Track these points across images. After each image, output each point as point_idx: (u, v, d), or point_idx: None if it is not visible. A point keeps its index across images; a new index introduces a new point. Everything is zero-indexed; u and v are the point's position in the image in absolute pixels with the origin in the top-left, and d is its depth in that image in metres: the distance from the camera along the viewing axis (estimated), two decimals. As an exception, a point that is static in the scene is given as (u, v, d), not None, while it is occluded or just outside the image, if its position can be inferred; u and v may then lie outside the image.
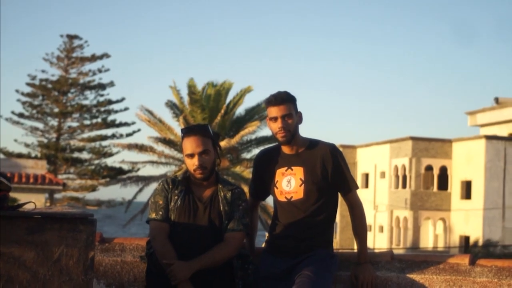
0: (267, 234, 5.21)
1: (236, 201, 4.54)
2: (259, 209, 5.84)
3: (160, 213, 4.50)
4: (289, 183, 4.65)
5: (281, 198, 4.67)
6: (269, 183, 4.73)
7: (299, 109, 4.70)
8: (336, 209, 4.76)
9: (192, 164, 4.50)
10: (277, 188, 4.69)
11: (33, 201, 4.13)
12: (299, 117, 4.68)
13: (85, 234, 3.68)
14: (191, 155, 4.50)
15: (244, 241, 4.61)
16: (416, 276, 4.65)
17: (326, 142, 4.74)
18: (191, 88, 32.29)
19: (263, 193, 4.87)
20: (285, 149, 4.72)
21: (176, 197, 4.52)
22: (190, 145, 4.50)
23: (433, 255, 4.88)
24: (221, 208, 4.51)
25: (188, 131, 4.57)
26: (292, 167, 4.67)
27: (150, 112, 33.00)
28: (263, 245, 5.01)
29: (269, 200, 4.98)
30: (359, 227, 4.74)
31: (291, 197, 4.64)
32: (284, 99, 4.61)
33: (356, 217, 4.74)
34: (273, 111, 4.61)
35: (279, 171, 4.70)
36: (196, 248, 4.38)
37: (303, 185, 4.62)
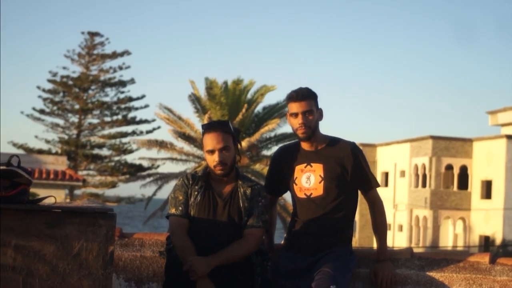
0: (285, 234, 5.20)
1: (256, 198, 4.53)
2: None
3: (180, 208, 4.49)
4: (309, 180, 4.64)
5: (301, 195, 4.66)
6: (287, 179, 4.72)
7: (320, 106, 4.69)
8: (355, 206, 4.75)
9: (212, 160, 4.49)
10: (296, 184, 4.68)
11: (53, 196, 4.14)
12: (319, 114, 4.67)
13: (105, 229, 3.68)
14: (211, 151, 4.49)
15: (263, 237, 4.61)
16: (435, 274, 4.63)
17: (346, 140, 4.73)
18: (210, 85, 32.26)
19: (279, 189, 4.85)
20: (305, 146, 4.71)
21: (196, 193, 4.52)
22: (210, 141, 4.49)
23: (453, 253, 4.85)
24: (241, 204, 4.50)
25: (208, 127, 4.56)
26: (312, 164, 4.65)
27: (169, 110, 32.94)
28: (282, 242, 5.00)
29: (288, 198, 4.98)
30: (379, 225, 4.72)
31: (311, 193, 4.63)
32: (306, 95, 4.60)
33: (376, 214, 4.73)
34: (294, 107, 4.60)
35: (298, 168, 4.68)
36: (215, 244, 4.37)
37: (322, 182, 4.61)
